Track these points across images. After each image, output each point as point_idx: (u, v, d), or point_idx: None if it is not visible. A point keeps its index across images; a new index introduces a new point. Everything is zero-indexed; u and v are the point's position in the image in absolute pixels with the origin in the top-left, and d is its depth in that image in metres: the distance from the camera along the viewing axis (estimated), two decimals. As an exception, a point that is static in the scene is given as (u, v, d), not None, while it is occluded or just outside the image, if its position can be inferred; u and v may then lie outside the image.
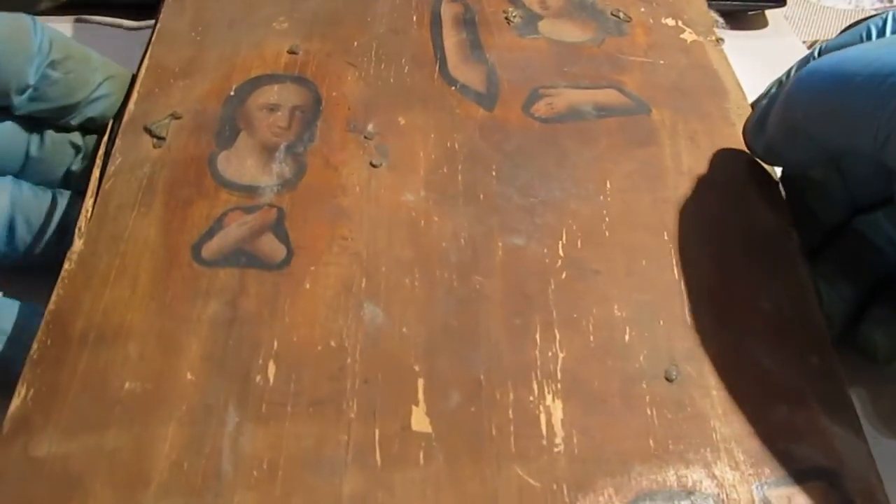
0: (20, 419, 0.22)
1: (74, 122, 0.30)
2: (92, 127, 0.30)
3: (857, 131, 0.25)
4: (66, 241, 0.27)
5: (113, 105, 0.30)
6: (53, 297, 0.25)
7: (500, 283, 0.27)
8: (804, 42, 0.47)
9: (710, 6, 0.46)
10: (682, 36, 0.37)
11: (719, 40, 0.37)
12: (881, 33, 0.28)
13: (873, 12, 0.51)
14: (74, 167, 0.29)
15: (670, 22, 0.38)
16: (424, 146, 0.30)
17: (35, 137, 0.29)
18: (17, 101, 0.28)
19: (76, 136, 0.30)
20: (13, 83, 0.27)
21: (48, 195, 0.29)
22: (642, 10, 0.38)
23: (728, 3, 0.47)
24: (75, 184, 0.30)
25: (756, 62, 0.44)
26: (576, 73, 0.34)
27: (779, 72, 0.32)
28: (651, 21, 0.37)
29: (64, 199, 0.29)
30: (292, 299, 0.25)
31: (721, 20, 0.47)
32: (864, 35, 0.28)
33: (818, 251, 0.30)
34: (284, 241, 0.27)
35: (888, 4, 0.53)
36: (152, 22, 0.34)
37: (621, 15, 0.37)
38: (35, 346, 0.23)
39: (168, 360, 0.24)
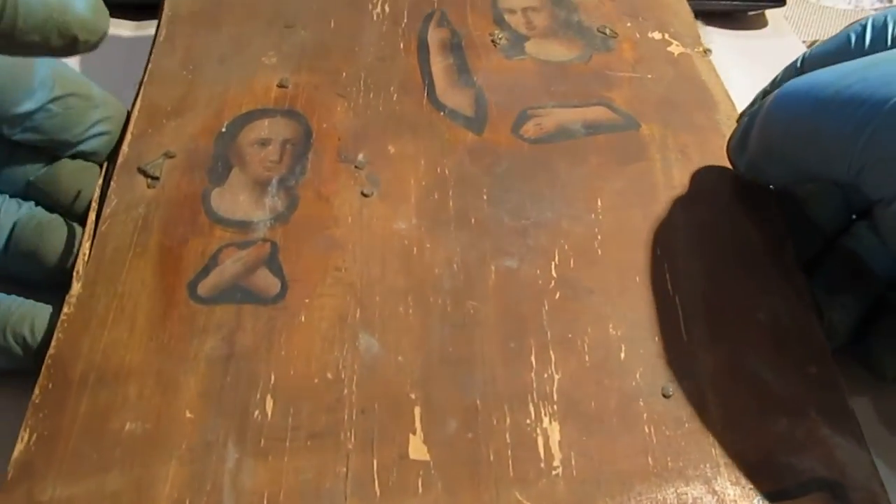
0: (24, 464, 0.22)
1: (65, 154, 0.30)
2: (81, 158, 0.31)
3: (831, 159, 0.25)
4: (13, 250, 0.28)
5: (105, 144, 0.31)
6: (53, 342, 0.25)
7: (494, 307, 0.27)
8: (804, 42, 0.47)
9: (709, 6, 0.46)
10: (669, 49, 0.37)
11: (707, 51, 0.37)
12: (860, 39, 0.28)
13: (873, 12, 0.50)
14: (32, 177, 0.29)
15: (657, 35, 0.38)
16: (415, 173, 0.31)
17: (5, 149, 0.29)
18: (10, 130, 0.28)
19: (45, 153, 0.30)
20: (8, 114, 0.28)
21: (10, 202, 0.29)
22: (628, 25, 0.38)
23: (728, 3, 0.47)
24: (34, 194, 0.30)
25: (756, 62, 0.44)
26: (564, 92, 0.34)
27: (778, 72, 0.32)
28: (637, 36, 0.38)
29: (23, 209, 0.29)
30: (288, 333, 0.26)
31: (707, 27, 0.47)
32: (845, 41, 0.28)
33: (817, 261, 0.30)
34: (279, 274, 0.27)
35: (888, 4, 0.52)
36: (150, 26, 0.34)
37: (607, 31, 0.38)
38: (37, 390, 0.24)
39: (167, 399, 0.24)
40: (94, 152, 0.30)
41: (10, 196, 0.29)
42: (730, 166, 0.32)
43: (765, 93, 0.32)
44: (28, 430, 0.23)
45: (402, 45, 0.36)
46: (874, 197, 0.25)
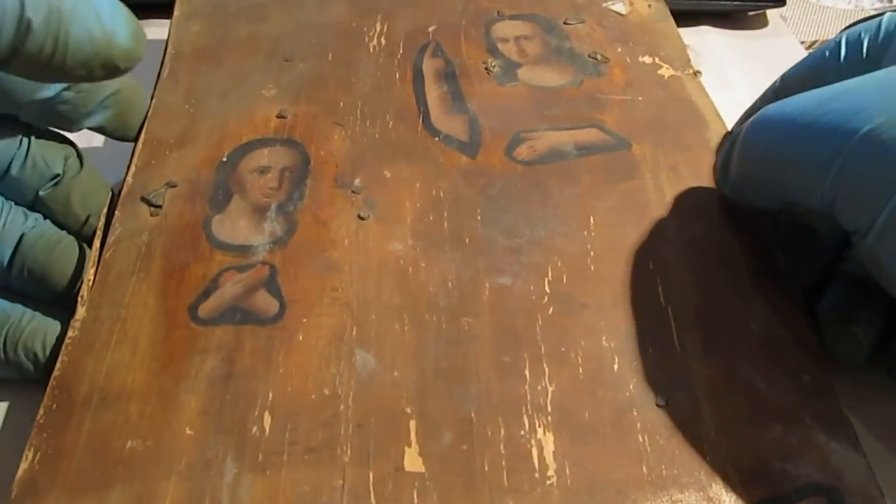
0: (27, 483, 0.23)
1: (73, 130, 0.31)
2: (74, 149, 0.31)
3: (804, 189, 0.25)
4: (18, 266, 0.28)
5: (111, 119, 0.31)
6: (58, 364, 0.26)
7: (488, 323, 0.27)
8: (803, 42, 0.48)
9: (709, 6, 0.46)
10: (659, 72, 0.38)
11: (697, 73, 0.38)
12: (835, 55, 0.28)
13: (873, 12, 0.51)
14: (43, 192, 0.30)
15: (647, 59, 0.39)
16: (410, 196, 0.31)
17: (20, 155, 0.29)
18: (26, 114, 0.29)
19: (58, 165, 0.30)
20: (25, 101, 0.28)
21: (16, 211, 0.29)
22: (619, 50, 0.39)
23: (728, 3, 0.47)
24: (40, 207, 0.30)
25: (756, 62, 0.45)
26: (556, 116, 0.35)
27: (778, 72, 0.32)
28: (628, 60, 0.39)
29: (29, 221, 0.29)
30: (286, 351, 0.26)
31: (707, 27, 0.47)
32: (820, 58, 0.29)
33: (827, 277, 0.30)
34: (277, 296, 0.28)
35: (888, 5, 0.53)
36: (149, 26, 0.34)
37: (598, 56, 0.39)
38: (41, 411, 0.24)
39: (167, 417, 0.24)
40: (101, 127, 0.31)
41: (16, 204, 0.29)
42: (720, 182, 0.32)
43: (747, 115, 0.33)
44: (32, 449, 0.24)
45: (397, 76, 0.37)
46: (849, 229, 0.25)
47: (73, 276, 0.29)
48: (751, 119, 0.28)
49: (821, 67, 0.29)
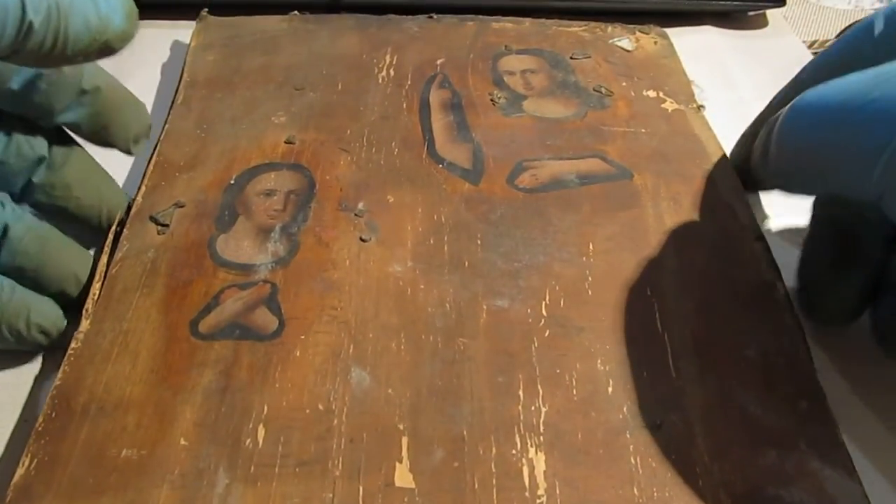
0: (22, 488, 0.23)
1: (44, 124, 0.30)
2: (61, 133, 0.30)
3: (850, 181, 0.24)
4: (5, 257, 0.27)
5: (87, 117, 0.30)
6: (60, 374, 0.26)
7: (484, 344, 0.28)
8: (804, 42, 0.49)
9: (709, 6, 0.47)
10: (663, 106, 0.39)
11: (700, 107, 0.39)
12: (868, 32, 0.27)
13: (873, 12, 0.51)
14: (36, 178, 0.29)
15: (651, 94, 0.39)
16: (412, 220, 0.32)
17: (1, 136, 0.28)
18: None
19: (42, 147, 0.29)
20: None
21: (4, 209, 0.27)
22: (624, 84, 0.40)
23: (728, 3, 0.48)
24: (33, 195, 0.29)
25: (756, 62, 0.45)
26: (559, 146, 0.36)
27: (779, 72, 0.31)
28: (633, 94, 0.39)
29: (7, 211, 0.27)
30: (283, 367, 0.27)
31: (707, 27, 0.48)
32: (850, 40, 0.28)
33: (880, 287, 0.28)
34: (277, 313, 0.28)
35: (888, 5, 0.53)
36: (147, 26, 0.34)
37: (603, 90, 0.39)
38: (40, 419, 0.25)
39: (163, 427, 0.25)
40: (76, 124, 0.30)
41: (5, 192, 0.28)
42: (722, 213, 0.33)
43: (762, 118, 0.32)
44: (29, 455, 0.24)
45: (404, 105, 0.38)
46: None
47: (69, 275, 0.28)
48: (788, 106, 0.26)
49: (853, 48, 0.27)
